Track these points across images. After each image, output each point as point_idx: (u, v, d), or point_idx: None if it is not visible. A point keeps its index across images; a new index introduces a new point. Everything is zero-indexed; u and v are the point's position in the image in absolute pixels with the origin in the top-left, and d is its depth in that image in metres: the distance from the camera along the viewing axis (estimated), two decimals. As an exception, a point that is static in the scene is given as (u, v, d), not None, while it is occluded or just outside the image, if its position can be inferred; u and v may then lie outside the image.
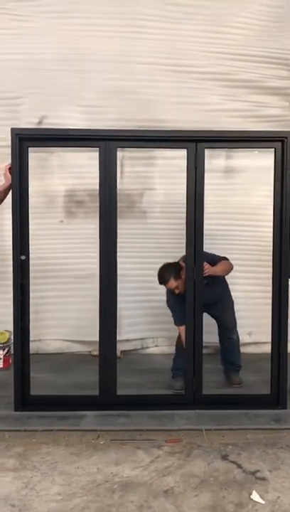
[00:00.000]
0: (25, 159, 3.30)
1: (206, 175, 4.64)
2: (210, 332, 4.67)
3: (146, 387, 3.76)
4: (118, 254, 4.61)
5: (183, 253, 3.55)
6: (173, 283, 3.63)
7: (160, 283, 3.69)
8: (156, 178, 4.71)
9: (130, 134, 3.52)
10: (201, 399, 3.42)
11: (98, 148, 3.35)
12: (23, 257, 3.34)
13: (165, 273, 3.66)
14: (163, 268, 3.70)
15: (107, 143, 3.34)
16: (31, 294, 4.32)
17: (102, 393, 3.40)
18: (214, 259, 3.69)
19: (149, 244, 4.68)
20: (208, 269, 3.49)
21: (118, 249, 4.76)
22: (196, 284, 3.42)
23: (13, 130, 3.25)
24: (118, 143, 3.41)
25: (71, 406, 3.37)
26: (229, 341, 3.95)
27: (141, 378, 4.02)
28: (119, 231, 4.66)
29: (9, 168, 3.25)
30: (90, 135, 3.41)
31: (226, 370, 3.97)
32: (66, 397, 3.51)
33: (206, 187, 4.63)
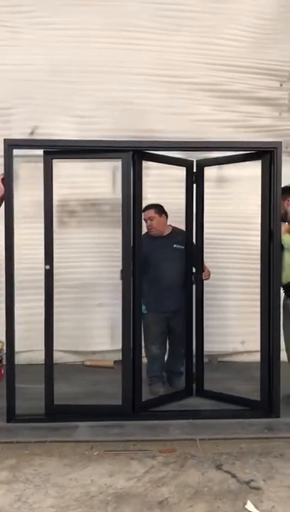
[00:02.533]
0: (49, 171, 3.42)
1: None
2: (206, 341, 4.69)
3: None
4: (114, 263, 4.63)
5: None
6: (151, 213, 3.75)
7: (142, 209, 3.73)
8: (149, 187, 4.72)
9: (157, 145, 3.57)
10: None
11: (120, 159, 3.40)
12: (47, 267, 3.43)
13: (151, 204, 3.78)
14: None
15: (129, 154, 3.36)
16: (23, 304, 4.32)
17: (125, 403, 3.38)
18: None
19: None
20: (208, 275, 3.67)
21: (111, 259, 4.79)
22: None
23: (6, 141, 3.26)
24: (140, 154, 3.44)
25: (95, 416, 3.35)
26: (178, 353, 3.93)
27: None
28: (111, 240, 4.69)
29: (2, 179, 3.25)
30: (114, 146, 3.44)
31: (170, 378, 3.97)
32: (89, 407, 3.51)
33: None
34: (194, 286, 3.83)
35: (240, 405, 3.52)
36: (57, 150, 3.47)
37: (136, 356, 3.44)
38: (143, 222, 3.84)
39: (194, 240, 3.84)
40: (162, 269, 3.75)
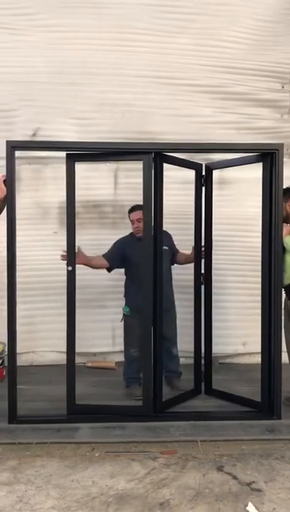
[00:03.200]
0: (72, 174, 3.43)
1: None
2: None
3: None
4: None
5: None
6: (140, 214, 3.64)
7: (130, 210, 3.78)
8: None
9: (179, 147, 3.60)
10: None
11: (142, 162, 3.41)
12: (69, 268, 3.46)
13: (139, 205, 3.68)
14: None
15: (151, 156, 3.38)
16: (25, 306, 4.33)
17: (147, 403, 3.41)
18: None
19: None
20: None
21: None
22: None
23: (8, 142, 3.27)
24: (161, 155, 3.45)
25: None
26: (170, 354, 3.94)
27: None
28: (113, 242, 4.68)
29: (4, 181, 3.25)
30: (136, 148, 3.48)
31: (169, 379, 3.97)
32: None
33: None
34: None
35: (246, 406, 3.56)
36: (79, 153, 3.50)
37: (157, 357, 3.45)
38: (130, 223, 3.87)
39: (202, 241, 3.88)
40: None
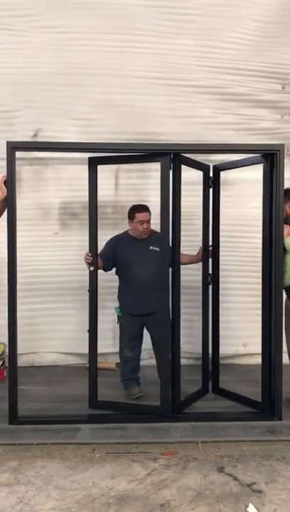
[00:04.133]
0: (94, 177, 3.51)
1: (200, 187, 4.68)
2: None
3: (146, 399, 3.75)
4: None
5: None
6: (148, 215, 3.70)
7: (137, 211, 3.73)
8: (151, 190, 4.74)
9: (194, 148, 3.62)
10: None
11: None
12: (91, 268, 3.53)
13: (145, 206, 3.74)
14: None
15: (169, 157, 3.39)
16: (26, 307, 4.32)
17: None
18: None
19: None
20: None
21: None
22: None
23: (8, 143, 3.27)
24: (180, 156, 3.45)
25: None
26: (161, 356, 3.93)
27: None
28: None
29: (4, 181, 3.26)
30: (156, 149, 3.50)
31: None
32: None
33: (200, 199, 4.67)
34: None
35: (249, 407, 3.59)
36: (101, 157, 3.55)
37: (175, 358, 3.47)
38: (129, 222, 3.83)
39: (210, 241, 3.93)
40: (139, 271, 3.72)
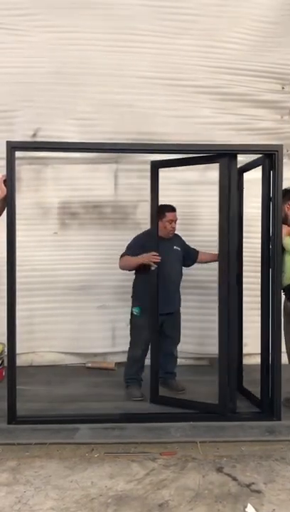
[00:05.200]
0: (156, 181, 3.62)
1: (202, 187, 4.70)
2: (206, 344, 4.69)
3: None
4: (112, 265, 4.59)
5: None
6: (176, 215, 3.80)
7: (167, 210, 3.78)
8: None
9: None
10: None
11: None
12: (153, 268, 3.59)
13: (172, 206, 3.82)
14: None
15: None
16: (25, 306, 4.31)
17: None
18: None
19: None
20: None
21: (112, 261, 4.75)
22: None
23: (8, 143, 3.26)
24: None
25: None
26: (171, 355, 3.97)
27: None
28: (113, 242, 4.69)
29: (4, 181, 3.25)
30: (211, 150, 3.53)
31: (166, 380, 3.96)
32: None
33: (202, 199, 4.69)
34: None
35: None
36: (163, 161, 3.64)
37: (231, 357, 3.47)
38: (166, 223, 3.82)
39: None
40: (165, 270, 3.74)
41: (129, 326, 3.93)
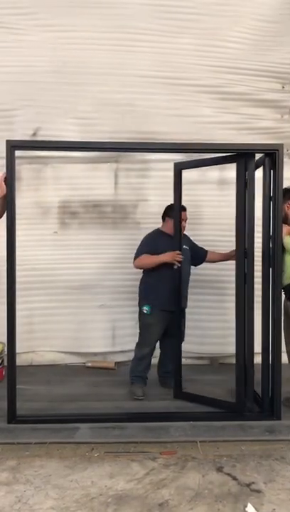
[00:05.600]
0: (179, 182, 3.68)
1: (202, 186, 4.69)
2: (206, 343, 4.70)
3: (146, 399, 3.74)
4: (112, 265, 4.62)
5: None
6: (186, 214, 3.86)
7: (179, 209, 3.79)
8: (150, 189, 4.74)
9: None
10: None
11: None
12: (175, 267, 3.67)
13: (182, 205, 3.83)
14: None
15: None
16: (25, 305, 4.31)
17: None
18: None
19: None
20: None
21: (112, 260, 4.78)
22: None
23: (8, 142, 3.26)
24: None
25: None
26: (176, 354, 3.93)
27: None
28: (113, 242, 4.69)
29: (4, 179, 3.25)
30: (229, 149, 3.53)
31: (165, 380, 3.98)
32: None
33: (202, 198, 4.68)
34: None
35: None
36: (185, 162, 3.73)
37: (248, 356, 3.47)
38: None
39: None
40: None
41: (138, 324, 3.91)
